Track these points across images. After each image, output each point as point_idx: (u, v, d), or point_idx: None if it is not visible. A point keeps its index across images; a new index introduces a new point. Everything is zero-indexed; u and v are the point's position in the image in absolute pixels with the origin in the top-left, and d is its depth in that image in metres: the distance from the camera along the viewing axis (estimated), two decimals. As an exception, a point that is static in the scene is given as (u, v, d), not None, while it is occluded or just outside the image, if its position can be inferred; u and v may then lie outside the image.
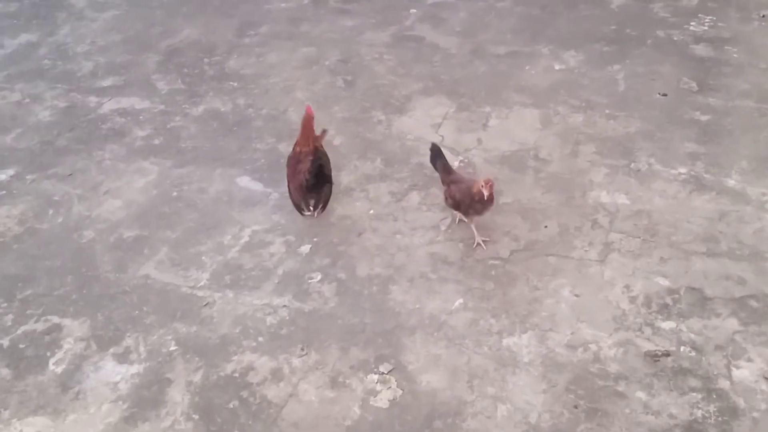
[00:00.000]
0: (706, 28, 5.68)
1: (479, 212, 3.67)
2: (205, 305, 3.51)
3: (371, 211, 4.05)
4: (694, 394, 2.95)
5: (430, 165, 3.97)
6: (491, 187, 3.50)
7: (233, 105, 5.14)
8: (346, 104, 5.03)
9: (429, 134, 4.63)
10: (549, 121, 4.72)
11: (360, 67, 5.48)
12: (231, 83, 5.42)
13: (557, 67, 5.30)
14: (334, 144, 4.60)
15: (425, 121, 4.80)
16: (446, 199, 3.78)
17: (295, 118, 4.91)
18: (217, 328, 3.40)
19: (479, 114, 4.84)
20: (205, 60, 5.79)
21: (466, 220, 3.82)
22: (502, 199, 4.06)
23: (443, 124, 4.75)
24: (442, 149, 3.99)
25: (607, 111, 4.76)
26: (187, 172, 4.47)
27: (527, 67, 5.33)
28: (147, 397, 3.10)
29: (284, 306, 3.48)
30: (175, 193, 4.29)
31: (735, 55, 5.27)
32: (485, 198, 3.52)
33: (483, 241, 3.76)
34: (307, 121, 3.96)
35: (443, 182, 3.84)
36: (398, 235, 3.87)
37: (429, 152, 3.97)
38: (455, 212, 3.85)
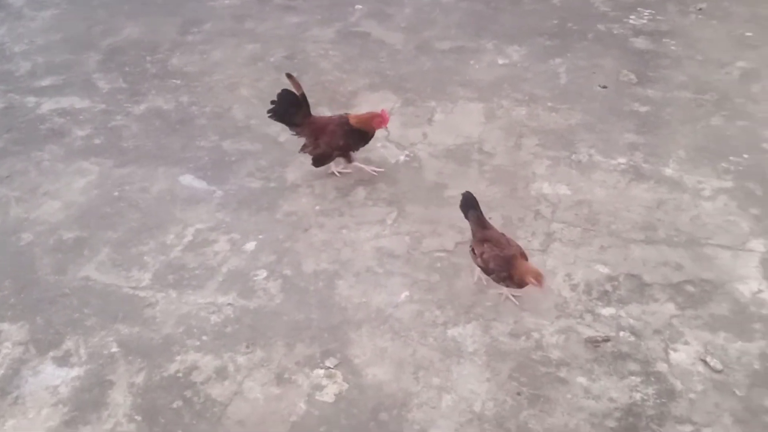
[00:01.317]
0: (645, 21, 5.81)
1: (509, 286, 3.32)
2: (148, 306, 3.46)
3: (317, 207, 4.04)
4: (633, 377, 3.02)
5: (377, 161, 3.98)
6: (541, 282, 3.12)
7: (176, 103, 5.07)
8: (291, 101, 5.00)
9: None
10: (493, 114, 4.77)
11: (306, 64, 5.46)
12: (174, 81, 5.35)
13: (501, 62, 5.36)
14: (279, 141, 4.58)
15: (371, 117, 4.80)
16: (476, 257, 3.37)
17: (240, 115, 4.88)
18: (160, 329, 3.35)
19: (425, 109, 4.87)
20: (148, 58, 5.69)
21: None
22: (447, 192, 4.10)
23: (389, 120, 4.74)
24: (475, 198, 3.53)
25: (549, 104, 4.83)
26: (128, 171, 4.39)
27: (472, 62, 5.38)
28: (88, 400, 3.04)
29: (229, 304, 3.45)
30: (116, 193, 4.21)
31: (673, 48, 5.41)
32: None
33: (514, 295, 3.42)
34: (377, 123, 4.02)
35: (474, 235, 3.43)
36: (344, 230, 3.87)
37: (461, 198, 3.54)
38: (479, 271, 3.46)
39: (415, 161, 4.37)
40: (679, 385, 2.98)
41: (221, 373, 3.13)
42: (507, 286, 3.31)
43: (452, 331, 3.27)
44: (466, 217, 3.49)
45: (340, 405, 2.97)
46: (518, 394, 2.98)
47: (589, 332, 3.23)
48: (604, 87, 4.96)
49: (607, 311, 3.32)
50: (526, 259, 3.26)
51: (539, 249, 3.68)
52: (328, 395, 3.01)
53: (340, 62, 5.47)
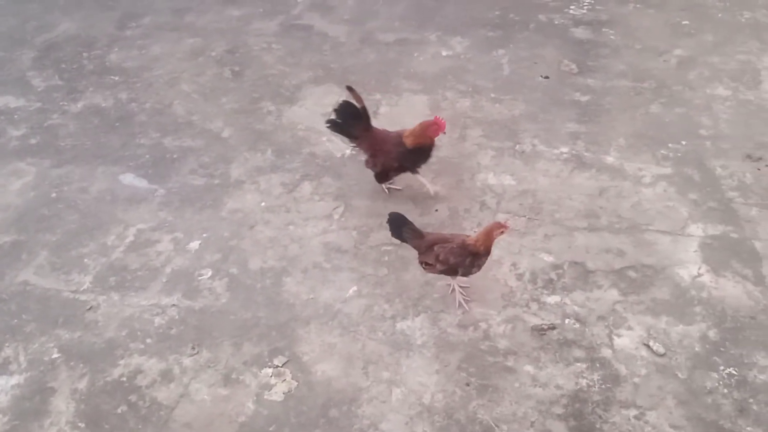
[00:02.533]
0: (584, 11, 5.89)
1: (480, 267, 3.24)
2: (89, 309, 3.38)
3: (263, 203, 3.99)
4: (579, 364, 3.07)
5: (323, 155, 3.94)
6: (506, 224, 3.13)
7: (115, 100, 4.95)
8: (234, 95, 4.93)
9: (320, 123, 4.59)
10: (437, 106, 4.78)
11: (248, 58, 5.38)
12: (112, 77, 5.21)
13: (445, 54, 5.37)
14: (223, 136, 4.50)
15: (316, 111, 4.77)
16: (432, 267, 3.24)
17: (181, 111, 4.79)
18: (102, 333, 3.27)
19: (370, 102, 4.78)
20: (85, 54, 5.54)
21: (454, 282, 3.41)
22: (394, 185, 4.09)
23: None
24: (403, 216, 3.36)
25: (492, 95, 4.86)
26: (66, 171, 4.27)
27: (416, 54, 5.37)
28: (29, 408, 2.96)
29: (173, 305, 3.39)
30: (54, 194, 4.09)
31: (612, 37, 5.50)
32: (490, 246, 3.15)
33: (465, 300, 3.38)
34: (433, 132, 3.77)
35: (419, 249, 3.28)
36: (291, 226, 3.83)
37: (388, 225, 3.35)
38: (449, 277, 3.37)
39: (361, 155, 4.34)
40: (623, 370, 3.04)
41: (167, 376, 3.07)
42: (474, 272, 3.25)
43: (401, 325, 3.27)
44: (401, 239, 3.33)
45: (290, 403, 2.94)
46: (467, 384, 3.00)
47: (535, 321, 3.26)
48: (546, 77, 5.02)
49: (552, 299, 3.37)
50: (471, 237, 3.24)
51: (485, 239, 3.70)
52: (276, 394, 2.98)
53: (283, 56, 5.41)
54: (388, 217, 3.35)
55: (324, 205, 3.97)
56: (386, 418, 2.88)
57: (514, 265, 3.56)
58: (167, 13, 6.12)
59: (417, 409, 2.90)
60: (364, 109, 3.81)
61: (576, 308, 3.32)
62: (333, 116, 3.89)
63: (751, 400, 2.89)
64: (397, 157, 3.82)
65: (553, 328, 3.23)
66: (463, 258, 3.17)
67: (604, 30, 5.59)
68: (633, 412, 2.86)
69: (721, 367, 3.02)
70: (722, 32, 5.50)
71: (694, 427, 2.79)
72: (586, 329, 3.22)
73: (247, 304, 3.39)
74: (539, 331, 3.21)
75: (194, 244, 3.72)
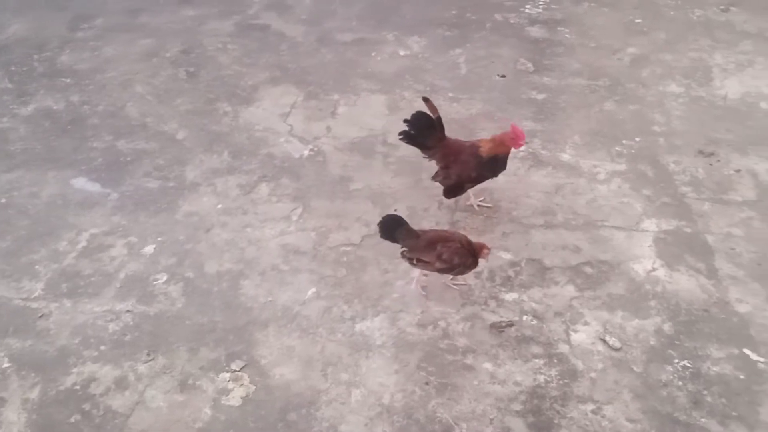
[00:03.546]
0: (540, 10, 5.94)
1: (471, 268, 3.29)
2: (41, 317, 3.30)
3: (219, 206, 3.94)
4: (537, 360, 3.09)
5: (281, 156, 3.90)
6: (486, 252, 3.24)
7: (67, 102, 4.84)
8: (189, 96, 4.86)
9: (277, 124, 4.58)
10: (396, 106, 4.77)
11: (203, 58, 5.31)
12: (64, 80, 5.10)
13: (402, 53, 5.37)
14: (178, 138, 4.44)
15: (273, 111, 4.73)
16: (431, 264, 3.23)
17: (135, 113, 4.70)
18: (54, 340, 3.19)
19: (328, 102, 4.83)
20: (35, 56, 5.41)
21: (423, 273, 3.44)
22: (353, 185, 4.08)
23: (292, 113, 4.70)
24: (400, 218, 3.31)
25: (450, 94, 4.88)
26: (16, 176, 4.16)
27: (373, 54, 5.36)
28: (-23, 422, 2.87)
29: (128, 311, 3.32)
30: (3, 200, 3.98)
31: (567, 36, 5.55)
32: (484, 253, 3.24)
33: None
34: (512, 143, 3.61)
35: (415, 249, 3.25)
36: (248, 229, 3.79)
37: (379, 227, 3.30)
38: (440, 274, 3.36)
39: (319, 155, 4.32)
40: (580, 365, 3.06)
41: (121, 384, 3.01)
42: (467, 272, 3.31)
43: (360, 326, 3.26)
44: (393, 239, 3.28)
45: (248, 408, 2.90)
46: (426, 383, 2.99)
47: (493, 318, 3.28)
48: (503, 76, 5.05)
49: (510, 296, 3.38)
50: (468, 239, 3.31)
51: (444, 238, 3.70)
52: (234, 399, 2.94)
53: (239, 56, 5.35)
54: (381, 219, 3.28)
55: (282, 207, 3.93)
56: (345, 419, 2.86)
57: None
58: (120, 14, 6.01)
59: (376, 410, 2.89)
60: (439, 119, 3.66)
61: (533, 305, 3.34)
62: (405, 128, 3.69)
63: (705, 392, 2.93)
64: (476, 167, 3.66)
65: (511, 325, 3.24)
66: (466, 259, 3.20)
67: (559, 29, 5.65)
68: (590, 406, 2.89)
69: (676, 360, 3.06)
70: (674, 30, 5.60)
71: (650, 420, 2.83)
72: (544, 325, 3.24)
73: (204, 308, 3.34)
74: (497, 328, 3.23)
75: (149, 249, 3.65)
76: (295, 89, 4.95)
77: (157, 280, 3.48)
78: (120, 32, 5.71)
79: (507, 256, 3.60)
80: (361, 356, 3.11)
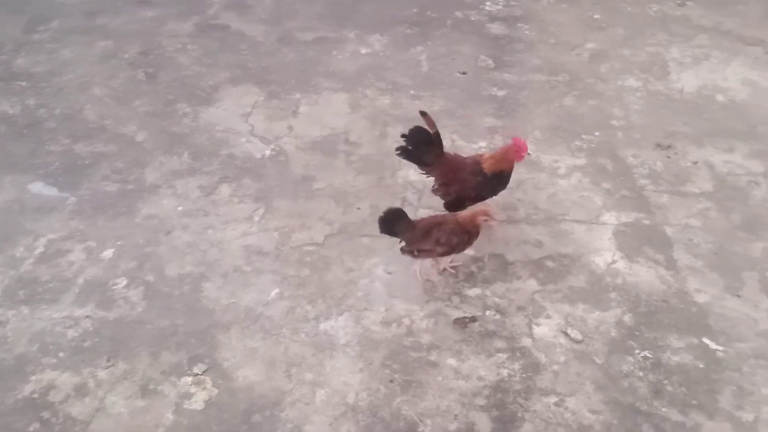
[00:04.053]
0: (500, 7, 5.97)
1: (471, 242, 3.35)
2: (-3, 325, 3.23)
3: (180, 208, 3.89)
4: (500, 354, 3.10)
5: (242, 156, 3.86)
6: (489, 212, 3.27)
7: (23, 106, 4.74)
8: (148, 98, 4.79)
9: (238, 124, 4.54)
10: (358, 104, 4.76)
11: (162, 59, 5.24)
12: (19, 83, 5.00)
13: (364, 51, 5.36)
14: (137, 140, 4.38)
15: (234, 111, 4.69)
16: (431, 251, 3.29)
17: (93, 116, 4.62)
18: (12, 348, 3.13)
19: (289, 101, 4.80)
20: (-11, 59, 5.30)
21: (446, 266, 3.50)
22: (315, 184, 4.06)
23: (253, 113, 4.66)
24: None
25: (412, 92, 4.88)
26: (-30, 182, 4.07)
27: (335, 53, 5.35)
28: (-69, 435, 2.80)
29: (87, 317, 3.26)
30: (-44, 207, 3.89)
31: (527, 32, 5.59)
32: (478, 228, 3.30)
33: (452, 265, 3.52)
34: (515, 156, 3.50)
35: (413, 241, 3.30)
36: (210, 230, 3.75)
37: (380, 221, 3.27)
38: (441, 259, 3.45)
39: (281, 155, 4.29)
40: (543, 358, 3.09)
41: (81, 390, 2.95)
42: (467, 248, 3.36)
43: (324, 325, 3.24)
44: (392, 233, 3.30)
45: (210, 411, 2.87)
46: (391, 381, 2.99)
47: (457, 314, 3.29)
48: (464, 73, 5.07)
49: (473, 292, 3.40)
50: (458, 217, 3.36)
51: (407, 236, 3.71)
52: (197, 403, 2.91)
53: (199, 56, 5.29)
54: (382, 213, 3.24)
55: (244, 207, 3.90)
56: (310, 420, 2.84)
57: (435, 259, 3.57)
58: (78, 16, 5.91)
59: (341, 409, 2.88)
60: (437, 134, 3.55)
61: (496, 299, 3.36)
62: (402, 143, 3.59)
63: (665, 382, 2.98)
64: (475, 186, 3.54)
65: (474, 320, 3.26)
66: (463, 236, 3.26)
67: (519, 25, 5.68)
68: (553, 399, 2.91)
69: (637, 351, 3.11)
70: (632, 25, 5.68)
71: (612, 411, 2.86)
72: (507, 320, 3.26)
73: (165, 311, 3.30)
74: (461, 323, 3.24)
75: (108, 253, 3.59)
76: (256, 89, 4.91)
77: (116, 284, 3.42)
78: (77, 34, 5.61)
79: (469, 251, 3.61)
80: (326, 356, 3.10)
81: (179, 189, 4.02)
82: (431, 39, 5.50)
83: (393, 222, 3.27)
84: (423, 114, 3.59)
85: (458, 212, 3.41)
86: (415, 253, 3.32)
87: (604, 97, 4.79)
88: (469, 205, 3.64)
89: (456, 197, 3.62)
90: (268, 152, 4.30)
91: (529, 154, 3.51)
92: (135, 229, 3.74)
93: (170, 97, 4.81)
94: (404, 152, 3.62)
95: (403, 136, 3.58)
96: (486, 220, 3.27)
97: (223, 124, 4.55)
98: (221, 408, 2.89)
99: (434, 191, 3.70)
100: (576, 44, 5.42)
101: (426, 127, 3.56)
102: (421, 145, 3.58)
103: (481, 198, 3.63)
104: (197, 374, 3.02)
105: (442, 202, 3.68)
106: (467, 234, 3.29)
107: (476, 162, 3.55)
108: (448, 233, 3.25)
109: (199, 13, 5.89)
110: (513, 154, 3.48)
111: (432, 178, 3.69)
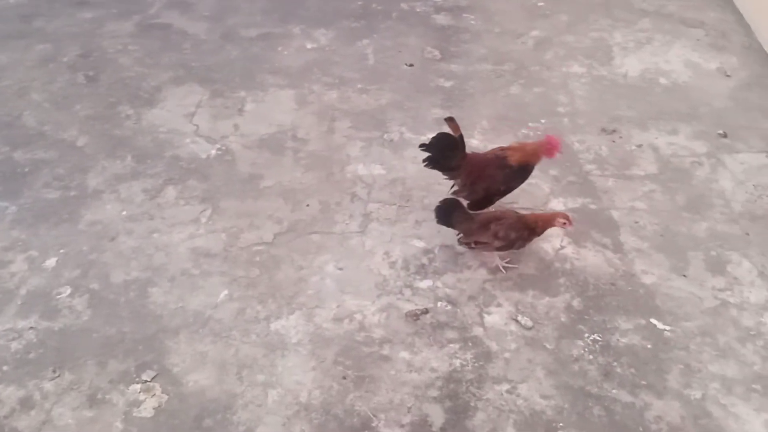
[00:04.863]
0: (445, -2, 5.99)
1: (529, 240, 3.38)
2: (-65, 342, 3.12)
3: (124, 213, 3.81)
4: (452, 345, 3.11)
5: (187, 157, 3.78)
6: (569, 218, 3.30)
7: (-43, 114, 4.60)
8: (89, 101, 4.67)
9: (183, 124, 4.46)
10: (304, 100, 4.72)
11: (103, 61, 5.12)
12: (-46, 90, 4.84)
13: (309, 46, 5.31)
14: (78, 145, 4.27)
15: (178, 112, 4.60)
16: (489, 245, 3.32)
17: (32, 122, 4.49)
18: (-48, 365, 3.03)
19: (234, 99, 4.73)
20: None
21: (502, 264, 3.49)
22: (263, 182, 4.02)
23: (197, 113, 4.58)
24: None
25: (359, 86, 4.85)
26: None
27: (280, 48, 5.28)
28: None
29: (31, 328, 3.18)
30: None
31: (472, 22, 5.60)
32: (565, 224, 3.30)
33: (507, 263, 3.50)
34: (547, 152, 3.45)
35: (470, 232, 3.36)
36: (156, 234, 3.68)
37: (436, 211, 3.38)
38: (496, 254, 3.47)
39: (227, 154, 4.23)
40: (494, 346, 3.10)
41: (26, 403, 2.87)
42: (525, 245, 3.38)
43: (275, 325, 3.21)
44: (449, 224, 3.38)
45: (161, 418, 2.82)
46: (344, 378, 2.98)
47: (408, 307, 3.28)
48: (411, 65, 5.06)
49: (424, 284, 3.40)
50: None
51: (357, 231, 3.69)
52: (146, 410, 2.85)
53: (140, 57, 5.18)
54: (438, 203, 3.36)
55: (190, 209, 3.83)
56: (263, 421, 2.81)
57: (386, 253, 3.57)
58: (14, 20, 5.73)
59: (294, 409, 2.86)
60: (461, 137, 3.48)
61: (448, 290, 3.36)
62: (428, 153, 3.51)
63: (615, 364, 3.02)
64: (504, 179, 3.51)
65: (426, 312, 3.26)
66: (522, 232, 3.28)
67: (464, 15, 5.69)
68: (505, 386, 2.93)
69: (586, 335, 3.14)
70: (575, 12, 5.73)
71: (563, 396, 2.89)
72: (458, 310, 3.27)
73: (111, 319, 3.23)
74: (413, 316, 3.23)
75: (51, 262, 3.50)
76: (200, 88, 4.83)
77: (60, 293, 3.34)
78: (14, 39, 5.44)
79: (420, 244, 3.62)
80: (277, 356, 3.07)
81: (123, 193, 3.93)
82: (377, 32, 5.47)
83: (449, 212, 3.34)
84: (448, 120, 3.53)
85: (528, 215, 3.39)
86: (472, 245, 3.36)
87: (550, 85, 4.83)
88: (497, 199, 3.63)
89: (484, 194, 3.57)
90: (213, 152, 4.24)
91: (560, 153, 3.48)
92: (78, 236, 3.65)
93: (112, 99, 4.70)
94: (431, 161, 3.53)
95: (422, 146, 3.50)
96: (564, 224, 3.28)
97: (167, 125, 4.47)
98: (171, 414, 2.84)
99: (456, 193, 3.63)
100: (521, 32, 5.45)
101: (450, 132, 3.50)
102: (447, 151, 3.51)
103: (510, 190, 3.61)
104: (146, 381, 2.96)
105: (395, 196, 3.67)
106: (528, 230, 3.29)
107: (499, 156, 3.51)
108: (507, 228, 3.27)
109: (139, 13, 5.77)
110: (545, 151, 3.44)
111: (451, 181, 3.65)
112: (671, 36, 5.38)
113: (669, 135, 4.35)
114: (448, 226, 3.40)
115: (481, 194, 3.57)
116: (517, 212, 3.40)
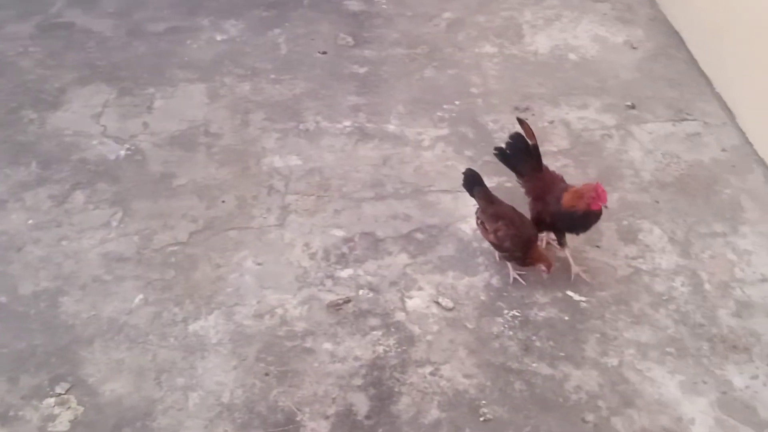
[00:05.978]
0: (356, -17, 5.93)
1: (518, 261, 3.27)
2: None
3: (30, 221, 3.65)
4: (375, 332, 3.10)
5: (95, 160, 3.65)
6: (550, 269, 3.17)
7: None
8: (-13, 108, 4.47)
9: (89, 126, 4.30)
10: (216, 94, 4.61)
11: (2, 65, 4.88)
12: None
13: (219, 38, 5.19)
14: (-23, 154, 4.08)
15: (84, 113, 4.43)
16: (487, 233, 3.26)
17: (-75, 132, 4.26)
18: None
19: (143, 97, 4.59)
20: None
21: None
22: (176, 181, 3.92)
23: (104, 113, 4.42)
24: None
25: (272, 76, 4.77)
26: None
27: (189, 42, 5.15)
28: None
29: (-68, 350, 3.03)
30: None
31: (384, 7, 5.57)
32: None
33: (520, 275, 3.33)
34: (592, 203, 3.12)
35: (485, 211, 3.29)
36: (64, 242, 3.55)
37: (464, 177, 3.39)
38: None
39: (137, 154, 4.10)
40: (416, 330, 3.11)
41: (-69, 430, 2.74)
42: (511, 261, 3.30)
43: (194, 326, 3.14)
44: (471, 194, 3.37)
45: (77, 430, 2.73)
46: (266, 374, 2.94)
47: (330, 297, 3.26)
48: (324, 53, 5.00)
49: (345, 273, 3.38)
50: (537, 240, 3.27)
51: (276, 224, 3.64)
52: (62, 424, 2.75)
53: (42, 58, 4.97)
54: (464, 171, 3.42)
55: (100, 214, 3.71)
56: (184, 425, 2.75)
57: (306, 245, 3.53)
58: None
59: (216, 410, 2.80)
60: (535, 146, 3.37)
61: (369, 278, 3.35)
62: (504, 146, 3.47)
63: (534, 338, 3.07)
64: (552, 214, 3.26)
65: (348, 301, 3.24)
66: (516, 250, 3.19)
67: (376, 0, 5.66)
68: (428, 369, 2.94)
69: (506, 311, 3.18)
70: (486, -8, 5.77)
71: (485, 373, 2.92)
72: (380, 297, 3.26)
73: (21, 333, 3.10)
74: (335, 306, 3.21)
75: (-48, 279, 3.34)
76: (107, 87, 4.66)
77: (-36, 311, 3.19)
78: None
79: (340, 233, 3.59)
80: (197, 358, 3.01)
81: (28, 201, 3.77)
82: (289, 20, 5.39)
83: (470, 183, 3.37)
84: (520, 121, 3.47)
85: (535, 244, 3.26)
86: (479, 222, 3.34)
87: (463, 66, 4.85)
88: (542, 231, 3.40)
89: (536, 216, 3.36)
90: (123, 152, 4.10)
91: (606, 206, 3.15)
92: (-19, 250, 3.49)
93: (13, 104, 4.50)
94: (501, 155, 3.51)
95: (497, 149, 3.54)
96: (543, 271, 3.17)
97: (73, 127, 4.30)
98: (88, 426, 2.75)
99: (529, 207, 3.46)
100: (433, 15, 5.45)
101: (524, 135, 3.43)
102: (519, 153, 3.45)
103: (554, 229, 3.37)
104: (60, 394, 2.86)
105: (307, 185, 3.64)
106: (521, 253, 3.19)
107: (562, 189, 3.26)
108: (506, 234, 3.17)
109: (40, 13, 5.52)
110: (589, 198, 3.11)
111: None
112: (579, 12, 5.47)
113: (579, 110, 4.44)
114: (470, 190, 3.39)
115: (533, 214, 3.39)
116: (534, 234, 3.24)
